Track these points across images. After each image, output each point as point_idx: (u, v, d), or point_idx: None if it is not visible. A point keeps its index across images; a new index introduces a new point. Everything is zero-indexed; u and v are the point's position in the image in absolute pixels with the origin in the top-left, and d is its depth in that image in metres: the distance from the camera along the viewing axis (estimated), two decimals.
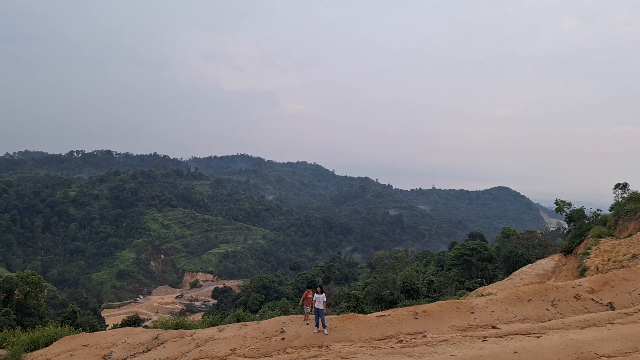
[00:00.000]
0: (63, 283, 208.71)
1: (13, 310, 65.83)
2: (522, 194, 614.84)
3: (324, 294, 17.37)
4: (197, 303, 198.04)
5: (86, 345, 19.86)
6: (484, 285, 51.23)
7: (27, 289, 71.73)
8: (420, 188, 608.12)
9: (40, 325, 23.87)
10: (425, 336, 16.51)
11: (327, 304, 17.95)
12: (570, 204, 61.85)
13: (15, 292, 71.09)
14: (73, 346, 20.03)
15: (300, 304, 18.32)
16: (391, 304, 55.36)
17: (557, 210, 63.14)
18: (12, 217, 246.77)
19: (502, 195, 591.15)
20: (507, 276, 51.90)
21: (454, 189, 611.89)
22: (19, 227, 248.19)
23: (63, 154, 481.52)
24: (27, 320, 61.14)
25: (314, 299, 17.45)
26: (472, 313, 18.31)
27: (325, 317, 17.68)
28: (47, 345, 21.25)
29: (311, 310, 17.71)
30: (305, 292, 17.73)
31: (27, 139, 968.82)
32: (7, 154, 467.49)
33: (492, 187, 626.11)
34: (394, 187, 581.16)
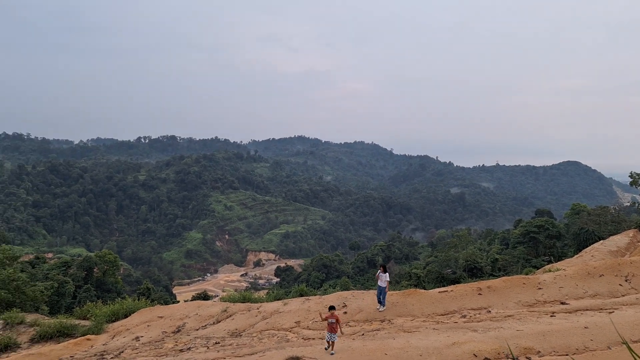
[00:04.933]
0: (137, 262, 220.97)
1: (93, 287, 70.45)
2: (593, 168, 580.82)
3: (387, 273, 17.65)
4: (260, 281, 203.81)
5: (161, 317, 21.15)
6: (552, 263, 49.49)
7: (105, 267, 76.19)
8: (483, 165, 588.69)
9: (119, 300, 25.60)
10: (489, 312, 16.30)
11: (389, 283, 17.96)
12: None
13: (95, 270, 75.72)
14: (150, 317, 21.40)
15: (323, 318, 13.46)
16: (453, 283, 54.64)
17: (631, 184, 59.78)
18: (88, 201, 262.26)
19: (572, 170, 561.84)
20: (577, 254, 49.90)
21: (519, 165, 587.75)
22: (95, 210, 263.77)
23: (131, 140, 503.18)
24: (106, 296, 64.91)
25: (377, 275, 17.68)
26: (540, 289, 17.85)
27: (387, 293, 17.90)
28: (126, 316, 22.93)
29: (333, 336, 12.91)
30: (327, 314, 13.27)
31: (98, 126, 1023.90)
32: (81, 141, 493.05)
33: (561, 161, 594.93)
34: (455, 165, 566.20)
